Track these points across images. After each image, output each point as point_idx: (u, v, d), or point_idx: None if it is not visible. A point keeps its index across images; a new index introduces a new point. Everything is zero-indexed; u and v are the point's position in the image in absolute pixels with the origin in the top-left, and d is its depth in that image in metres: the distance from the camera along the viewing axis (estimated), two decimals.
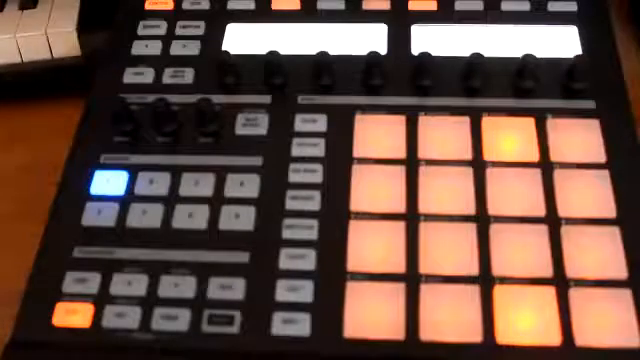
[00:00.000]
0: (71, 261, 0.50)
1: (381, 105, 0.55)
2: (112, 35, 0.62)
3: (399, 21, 0.60)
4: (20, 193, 0.60)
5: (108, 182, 0.53)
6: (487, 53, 0.56)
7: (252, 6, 0.63)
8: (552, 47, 0.58)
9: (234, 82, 0.57)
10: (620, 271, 0.47)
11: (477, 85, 0.55)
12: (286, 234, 0.50)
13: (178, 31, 0.61)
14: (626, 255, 0.48)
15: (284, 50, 0.57)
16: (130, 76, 0.59)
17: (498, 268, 0.48)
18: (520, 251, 0.48)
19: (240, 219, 0.51)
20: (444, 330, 0.46)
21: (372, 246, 0.49)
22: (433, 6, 0.61)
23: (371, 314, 0.46)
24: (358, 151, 0.53)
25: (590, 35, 0.58)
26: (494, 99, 0.55)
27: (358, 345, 0.45)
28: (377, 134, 0.54)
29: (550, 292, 0.47)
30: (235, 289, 0.48)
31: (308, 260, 0.48)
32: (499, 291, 0.47)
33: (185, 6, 0.63)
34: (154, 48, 0.60)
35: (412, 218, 0.50)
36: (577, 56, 0.56)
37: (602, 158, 0.52)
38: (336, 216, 0.50)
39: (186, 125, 0.55)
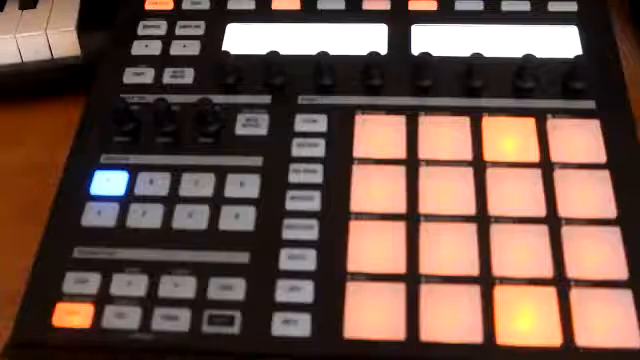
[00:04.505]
0: (71, 261, 0.49)
1: (381, 105, 0.55)
2: (112, 35, 0.62)
3: (399, 21, 0.60)
4: (20, 193, 0.60)
5: (108, 182, 0.53)
6: (487, 53, 0.56)
7: (252, 6, 0.62)
8: (552, 47, 0.58)
9: (234, 82, 0.57)
10: (620, 271, 0.47)
11: (477, 85, 0.55)
12: (286, 234, 0.50)
13: (178, 31, 0.61)
14: (626, 255, 0.48)
15: (284, 50, 0.57)
16: (130, 76, 0.59)
17: (498, 268, 0.48)
18: (520, 251, 0.48)
19: (240, 219, 0.51)
20: (444, 330, 0.46)
21: (372, 246, 0.49)
22: (433, 6, 0.61)
23: (371, 314, 0.46)
24: (358, 151, 0.53)
25: (590, 35, 0.58)
26: (494, 99, 0.55)
27: (358, 345, 0.45)
28: (377, 134, 0.54)
29: (550, 292, 0.47)
30: (235, 289, 0.48)
31: (308, 260, 0.48)
32: (499, 291, 0.47)
33: (185, 6, 0.63)
34: (154, 48, 0.60)
35: (412, 218, 0.50)
36: (577, 56, 0.56)
37: (602, 158, 0.52)
38: (336, 216, 0.50)
39: (186, 125, 0.55)
